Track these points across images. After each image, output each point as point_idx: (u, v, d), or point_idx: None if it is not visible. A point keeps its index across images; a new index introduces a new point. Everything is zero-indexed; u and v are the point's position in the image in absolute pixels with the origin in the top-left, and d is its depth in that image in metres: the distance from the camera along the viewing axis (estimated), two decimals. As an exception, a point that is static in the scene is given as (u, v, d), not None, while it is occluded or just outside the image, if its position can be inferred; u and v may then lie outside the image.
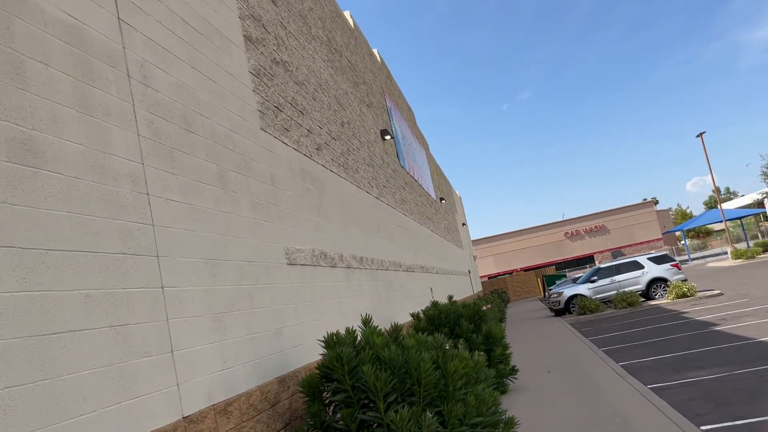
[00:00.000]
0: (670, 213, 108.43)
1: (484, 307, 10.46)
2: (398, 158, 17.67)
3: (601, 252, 69.31)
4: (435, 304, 10.50)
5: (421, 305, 15.53)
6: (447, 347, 5.38)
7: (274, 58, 8.03)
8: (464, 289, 30.97)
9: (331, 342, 5.28)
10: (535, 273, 54.40)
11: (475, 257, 49.85)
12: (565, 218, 72.09)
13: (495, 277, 66.91)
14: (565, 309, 25.11)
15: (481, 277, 66.62)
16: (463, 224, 42.95)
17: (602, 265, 25.84)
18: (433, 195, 25.72)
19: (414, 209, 18.63)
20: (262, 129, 7.00)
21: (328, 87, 10.78)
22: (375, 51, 19.04)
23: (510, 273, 66.85)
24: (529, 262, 70.69)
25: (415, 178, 20.58)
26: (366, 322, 5.86)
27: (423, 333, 10.61)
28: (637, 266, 24.64)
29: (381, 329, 6.01)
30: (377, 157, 14.16)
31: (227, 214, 5.56)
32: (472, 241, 71.07)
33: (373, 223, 12.10)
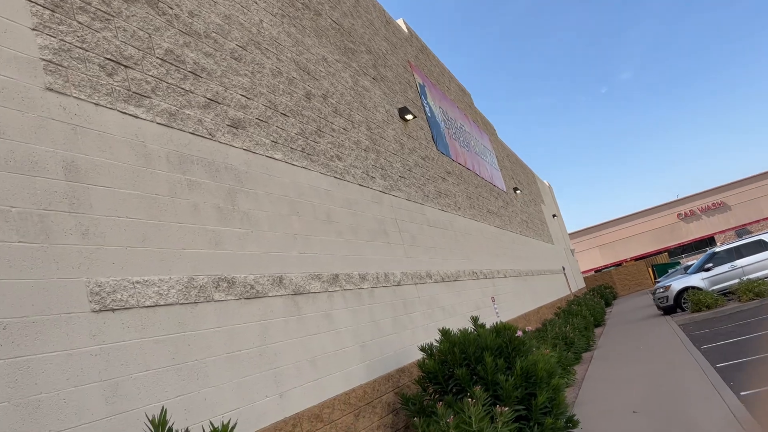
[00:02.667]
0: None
1: (519, 332, 7.15)
2: (434, 143, 14.52)
3: (723, 232, 61.73)
4: (446, 334, 7.34)
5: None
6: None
7: (121, -8, 5.28)
8: (555, 290, 27.03)
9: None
10: (645, 262, 48.78)
11: (573, 251, 45.15)
12: (678, 197, 64.94)
13: (601, 270, 61.26)
14: (675, 305, 20.74)
15: (586, 271, 61.25)
16: (554, 216, 38.67)
17: (718, 249, 21.20)
18: (501, 185, 22.22)
19: (464, 203, 15.37)
20: (50, 89, 4.25)
21: (278, 47, 7.94)
22: (401, 21, 16.04)
23: (618, 264, 60.95)
24: (640, 251, 64.26)
25: (467, 166, 17.29)
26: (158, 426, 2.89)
27: (429, 377, 7.50)
28: (765, 246, 19.89)
29: None
30: (389, 140, 11.14)
31: None
32: (573, 233, 65.70)
33: (373, 225, 9.10)
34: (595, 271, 60.88)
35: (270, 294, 5.87)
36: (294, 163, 7.30)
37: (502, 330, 7.42)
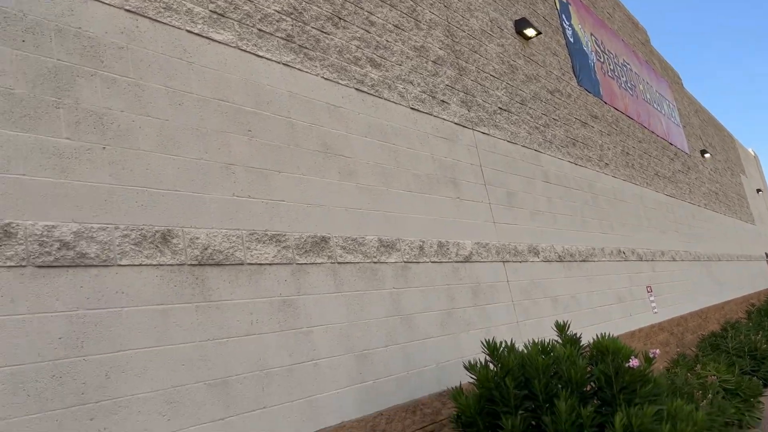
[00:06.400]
0: None
1: (633, 361, 3.78)
2: (576, 76, 10.83)
3: None
4: (495, 351, 4.14)
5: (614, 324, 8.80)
6: None
7: None
8: (752, 281, 21.44)
9: None
10: None
11: (783, 235, 37.00)
12: None
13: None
14: None
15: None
16: (759, 191, 31.68)
17: None
18: (681, 145, 17.47)
19: (616, 159, 11.50)
20: None
21: None
22: None
23: None
24: None
25: (628, 113, 13.20)
26: None
27: (463, 420, 4.29)
28: None
29: None
30: (489, 57, 7.88)
31: None
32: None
33: (429, 169, 6.04)
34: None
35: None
36: (259, 53, 4.51)
37: (606, 352, 4.08)
